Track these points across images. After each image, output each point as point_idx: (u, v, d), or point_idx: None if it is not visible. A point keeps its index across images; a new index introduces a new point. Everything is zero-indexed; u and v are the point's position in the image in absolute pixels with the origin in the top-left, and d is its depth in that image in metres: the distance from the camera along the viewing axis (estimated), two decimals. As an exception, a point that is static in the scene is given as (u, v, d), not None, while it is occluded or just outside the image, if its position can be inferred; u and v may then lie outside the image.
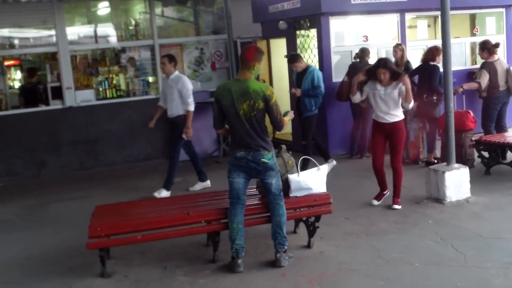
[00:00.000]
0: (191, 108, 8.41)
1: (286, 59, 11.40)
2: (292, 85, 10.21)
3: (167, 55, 8.62)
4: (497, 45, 9.41)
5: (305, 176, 5.83)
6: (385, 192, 7.40)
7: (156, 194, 8.13)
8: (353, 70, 9.95)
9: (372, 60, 10.41)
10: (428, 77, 9.10)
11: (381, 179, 7.37)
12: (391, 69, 6.90)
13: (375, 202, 7.33)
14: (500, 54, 9.69)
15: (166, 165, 10.85)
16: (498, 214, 6.65)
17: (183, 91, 8.31)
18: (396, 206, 7.10)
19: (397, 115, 7.01)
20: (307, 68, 9.15)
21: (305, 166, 6.49)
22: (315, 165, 5.97)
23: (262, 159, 5.37)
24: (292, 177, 5.77)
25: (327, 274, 5.25)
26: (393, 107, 6.96)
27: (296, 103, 9.36)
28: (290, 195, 5.77)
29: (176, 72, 8.50)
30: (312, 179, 5.83)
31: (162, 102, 8.76)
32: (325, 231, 6.27)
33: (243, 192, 5.50)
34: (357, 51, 10.19)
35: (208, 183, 8.94)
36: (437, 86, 8.85)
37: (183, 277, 5.40)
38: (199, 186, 8.86)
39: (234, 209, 5.47)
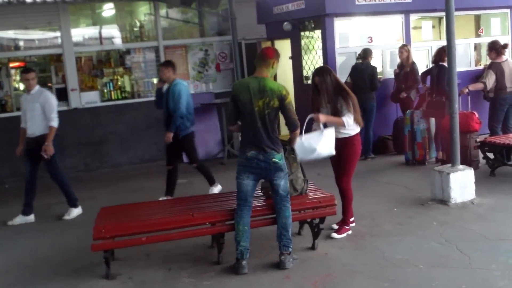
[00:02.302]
0: (55, 124, 7.57)
1: (290, 61, 11.46)
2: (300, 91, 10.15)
3: (32, 69, 7.96)
4: (505, 46, 9.43)
5: (308, 138, 5.78)
6: (347, 227, 6.37)
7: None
8: (355, 71, 9.98)
9: (374, 60, 10.44)
10: (436, 77, 9.18)
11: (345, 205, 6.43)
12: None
13: (335, 226, 6.42)
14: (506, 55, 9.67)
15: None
16: (503, 215, 6.63)
17: (46, 106, 7.54)
18: (335, 235, 6.23)
19: (345, 131, 6.13)
20: (173, 81, 7.93)
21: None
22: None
23: (273, 159, 5.39)
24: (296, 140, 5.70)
25: (332, 276, 5.25)
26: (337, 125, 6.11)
27: (166, 121, 8.03)
28: (298, 159, 5.76)
29: (38, 87, 7.72)
30: (316, 140, 5.77)
31: (24, 123, 7.86)
32: (329, 232, 6.26)
33: (251, 194, 5.51)
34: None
35: (80, 209, 7.95)
36: (445, 87, 8.87)
37: (188, 279, 5.41)
38: (73, 213, 7.88)
39: (241, 211, 5.48)
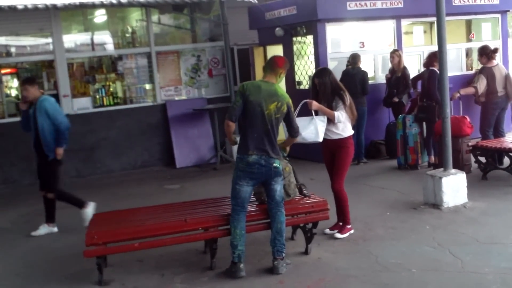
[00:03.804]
0: None
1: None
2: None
3: None
4: (495, 50, 9.47)
5: (297, 121, 5.86)
6: (349, 226, 6.46)
7: None
8: (346, 76, 9.99)
9: (366, 65, 10.47)
10: (427, 82, 9.23)
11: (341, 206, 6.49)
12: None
13: (327, 231, 6.47)
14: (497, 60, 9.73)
15: (166, 172, 10.93)
16: (495, 219, 6.65)
17: None
18: (338, 235, 6.34)
19: (338, 132, 6.22)
20: (39, 98, 7.17)
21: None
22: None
23: (274, 164, 5.42)
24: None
25: (325, 281, 5.24)
26: (331, 124, 6.20)
27: (36, 144, 7.28)
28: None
29: None
30: (303, 125, 5.95)
31: None
32: (322, 237, 6.27)
33: (248, 200, 5.52)
34: (353, 57, 10.22)
35: None
36: (435, 92, 8.89)
37: (181, 285, 5.39)
38: None
39: (237, 215, 5.47)
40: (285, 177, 5.75)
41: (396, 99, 10.18)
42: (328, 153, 6.40)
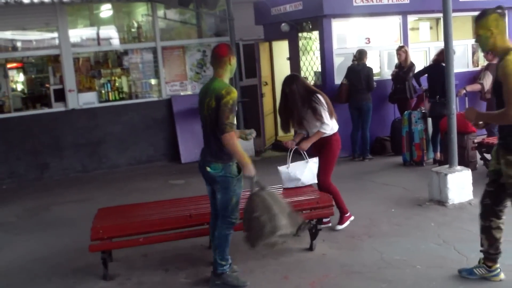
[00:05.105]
0: None
1: (288, 62, 11.47)
2: None
3: None
4: None
5: (294, 167, 6.06)
6: (347, 215, 6.57)
7: None
8: (351, 72, 9.98)
9: (372, 61, 10.44)
10: (443, 78, 9.10)
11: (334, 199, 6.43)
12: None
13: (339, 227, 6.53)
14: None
15: (171, 167, 10.95)
16: (501, 216, 6.62)
17: None
18: (338, 226, 6.49)
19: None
20: None
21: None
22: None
23: (207, 167, 5.03)
24: (282, 169, 6.05)
25: (329, 277, 5.25)
26: (313, 125, 6.25)
27: None
28: (283, 186, 6.10)
29: None
30: (301, 170, 6.07)
31: None
32: (327, 233, 6.27)
33: (212, 201, 5.23)
34: (359, 53, 10.20)
35: None
36: None
37: (185, 280, 5.40)
38: None
39: (211, 219, 5.34)
40: (273, 213, 4.71)
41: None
42: (314, 148, 6.43)
